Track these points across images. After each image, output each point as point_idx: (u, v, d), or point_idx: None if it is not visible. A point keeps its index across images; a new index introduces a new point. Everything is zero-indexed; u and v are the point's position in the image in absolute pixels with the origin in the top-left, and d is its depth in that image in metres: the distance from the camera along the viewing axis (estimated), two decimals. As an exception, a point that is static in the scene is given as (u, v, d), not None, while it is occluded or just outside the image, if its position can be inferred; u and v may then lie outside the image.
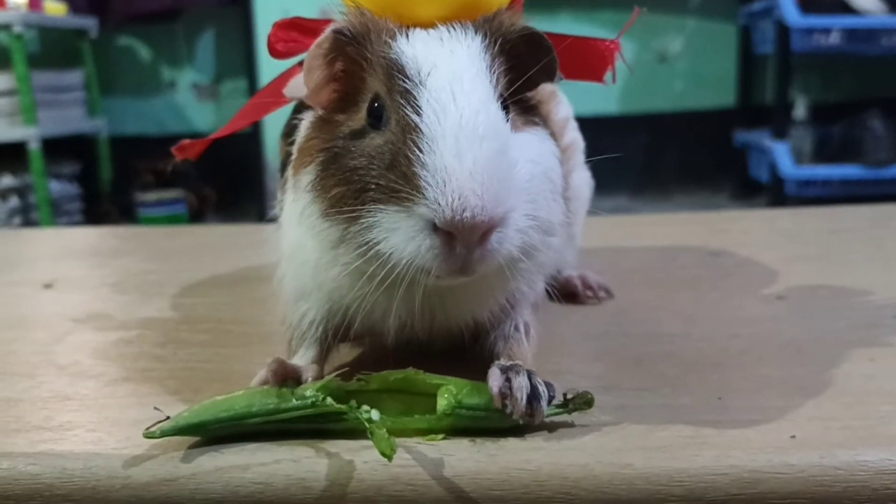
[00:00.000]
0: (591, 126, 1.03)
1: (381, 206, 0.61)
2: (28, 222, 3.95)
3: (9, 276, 1.23)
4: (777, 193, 3.98)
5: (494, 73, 0.65)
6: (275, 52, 0.75)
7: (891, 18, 3.81)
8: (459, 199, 0.58)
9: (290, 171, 0.75)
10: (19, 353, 0.87)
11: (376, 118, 0.65)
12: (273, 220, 0.84)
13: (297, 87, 0.70)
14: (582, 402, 0.65)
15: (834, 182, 3.90)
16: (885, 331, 0.85)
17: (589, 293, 0.99)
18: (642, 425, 0.65)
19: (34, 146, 3.78)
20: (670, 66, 4.65)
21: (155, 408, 0.63)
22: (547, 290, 0.79)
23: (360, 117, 0.67)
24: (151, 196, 3.63)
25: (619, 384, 0.74)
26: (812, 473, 0.58)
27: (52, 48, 4.49)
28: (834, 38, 3.81)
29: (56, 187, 4.11)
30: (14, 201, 3.89)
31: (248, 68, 4.49)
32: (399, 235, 0.60)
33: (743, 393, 0.71)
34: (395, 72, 0.64)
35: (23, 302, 1.08)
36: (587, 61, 0.75)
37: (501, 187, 0.60)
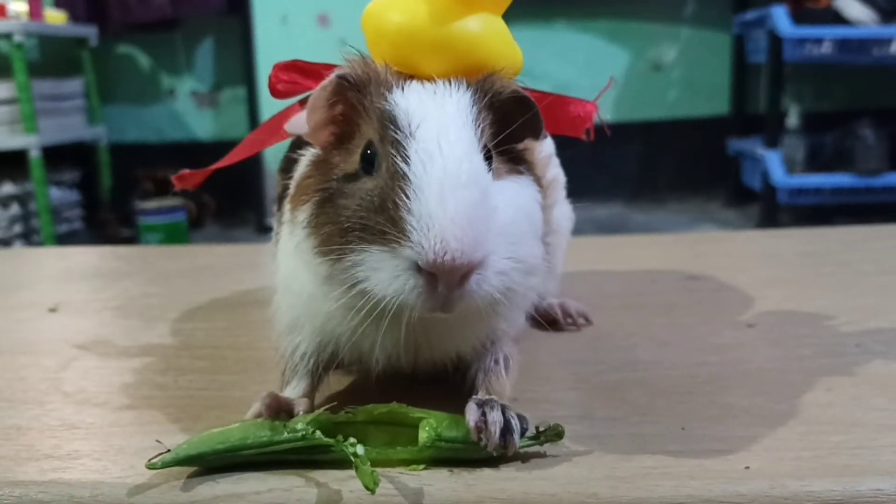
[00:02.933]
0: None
1: (367, 246, 0.66)
2: (29, 230, 3.99)
3: (14, 298, 1.27)
4: (770, 202, 4.03)
5: (480, 125, 0.69)
6: (275, 93, 0.79)
7: (882, 29, 3.87)
8: (441, 242, 0.62)
9: (286, 205, 0.79)
10: (28, 379, 0.91)
11: (368, 163, 0.69)
12: (270, 238, 0.89)
13: (299, 124, 0.74)
14: (553, 434, 0.69)
15: (825, 191, 3.95)
16: (846, 360, 0.90)
17: (569, 320, 1.04)
18: (610, 455, 0.69)
19: (34, 154, 3.83)
20: (665, 75, 4.70)
21: (157, 440, 0.68)
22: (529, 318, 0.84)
23: (353, 160, 0.71)
24: (151, 204, 3.67)
25: (591, 413, 0.79)
26: (762, 503, 0.63)
27: (53, 57, 4.54)
28: (826, 48, 3.86)
29: (56, 195, 4.16)
30: (15, 209, 3.93)
31: (247, 76, 4.55)
32: (384, 273, 0.65)
33: (706, 422, 0.76)
34: (389, 122, 0.68)
35: (29, 326, 1.13)
36: (568, 118, 0.80)
37: (481, 232, 0.64)
